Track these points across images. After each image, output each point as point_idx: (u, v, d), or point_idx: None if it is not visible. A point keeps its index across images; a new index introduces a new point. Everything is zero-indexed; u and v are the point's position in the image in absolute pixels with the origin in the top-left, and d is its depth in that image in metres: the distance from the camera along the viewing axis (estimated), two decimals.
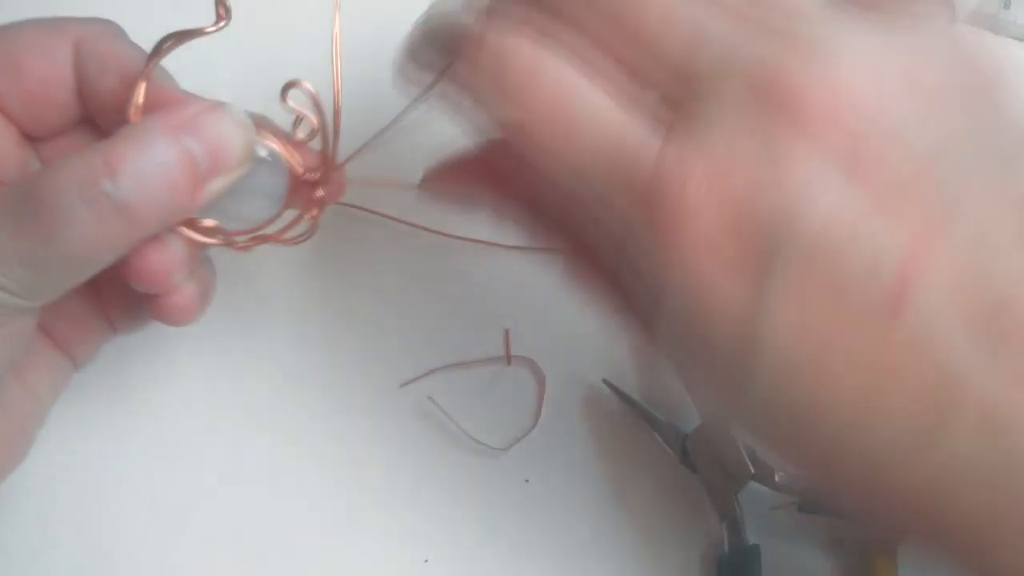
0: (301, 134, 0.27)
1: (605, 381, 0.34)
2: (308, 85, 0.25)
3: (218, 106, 0.25)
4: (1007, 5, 0.39)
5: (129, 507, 0.34)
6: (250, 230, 0.28)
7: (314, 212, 0.28)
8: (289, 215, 0.28)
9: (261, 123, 0.27)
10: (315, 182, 0.28)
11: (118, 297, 0.29)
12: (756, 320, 0.19)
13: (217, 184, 0.25)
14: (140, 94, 0.25)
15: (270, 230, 0.28)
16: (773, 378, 0.19)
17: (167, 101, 0.25)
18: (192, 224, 0.26)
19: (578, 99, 0.21)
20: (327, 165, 0.27)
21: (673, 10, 0.20)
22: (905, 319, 0.18)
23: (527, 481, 0.34)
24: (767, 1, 0.20)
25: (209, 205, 0.25)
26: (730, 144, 0.19)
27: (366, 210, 0.35)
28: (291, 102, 0.26)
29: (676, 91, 0.20)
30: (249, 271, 0.35)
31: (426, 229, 0.35)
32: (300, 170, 0.27)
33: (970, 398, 0.18)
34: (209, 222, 0.26)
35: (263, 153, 0.26)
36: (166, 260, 0.26)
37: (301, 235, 0.29)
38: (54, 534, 0.33)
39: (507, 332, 0.35)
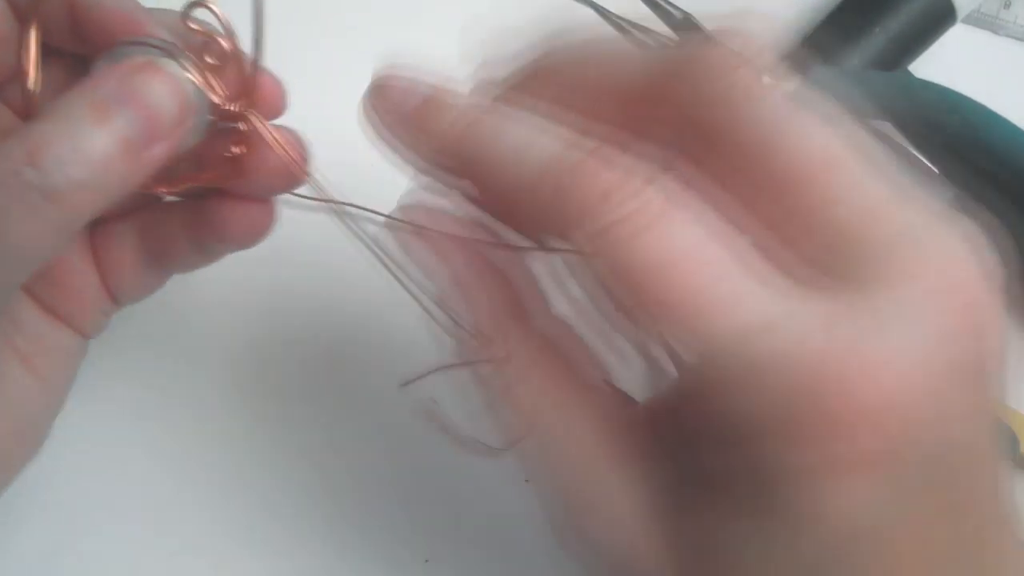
0: (210, 59, 0.24)
1: (605, 382, 0.34)
2: (215, 5, 0.23)
3: (146, 66, 0.23)
4: (1007, 5, 0.39)
5: (129, 507, 0.34)
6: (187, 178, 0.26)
7: (242, 144, 0.25)
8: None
9: (172, 48, 0.24)
10: (237, 113, 0.25)
11: (114, 265, 0.28)
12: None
13: (159, 150, 0.23)
14: (31, 47, 0.23)
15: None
16: None
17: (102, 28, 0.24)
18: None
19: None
20: (249, 89, 0.24)
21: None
22: None
23: (527, 481, 0.34)
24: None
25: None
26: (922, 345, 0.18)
27: (366, 209, 0.35)
28: (195, 25, 0.24)
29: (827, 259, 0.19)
30: (248, 270, 0.35)
31: (427, 228, 0.35)
32: (218, 100, 0.24)
33: None
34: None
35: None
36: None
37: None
38: (62, 538, 0.33)
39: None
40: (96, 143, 0.22)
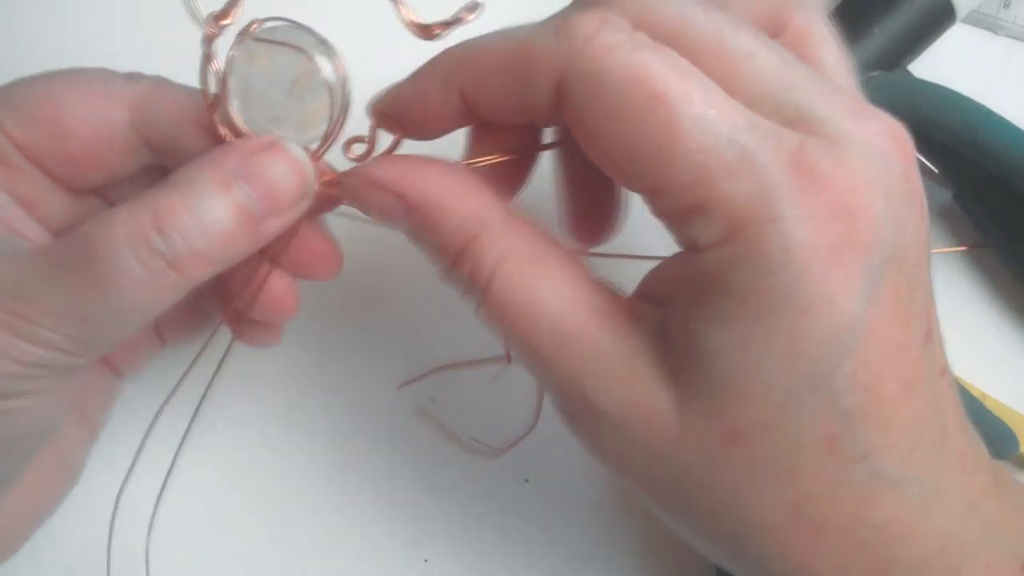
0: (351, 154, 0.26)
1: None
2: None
3: (271, 145, 0.25)
4: (1007, 5, 0.39)
5: (131, 506, 0.33)
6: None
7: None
8: None
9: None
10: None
11: (173, 312, 0.28)
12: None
13: (274, 225, 0.24)
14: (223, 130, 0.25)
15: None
16: None
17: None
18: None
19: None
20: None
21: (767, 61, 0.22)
22: None
23: (527, 481, 0.34)
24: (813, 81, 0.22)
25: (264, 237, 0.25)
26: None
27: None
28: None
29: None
30: None
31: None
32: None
33: None
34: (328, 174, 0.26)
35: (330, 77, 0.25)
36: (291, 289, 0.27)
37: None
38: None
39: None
40: (217, 216, 0.23)
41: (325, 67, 0.25)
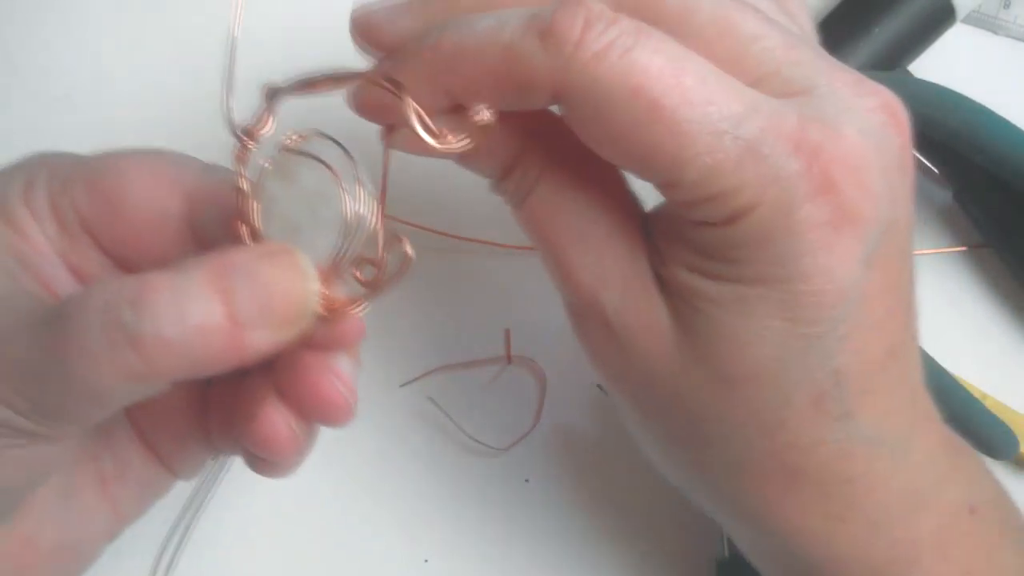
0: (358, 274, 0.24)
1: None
2: (408, 249, 0.23)
3: (281, 251, 0.22)
4: (1007, 5, 0.39)
5: None
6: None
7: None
8: None
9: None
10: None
11: (223, 420, 0.27)
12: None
13: (262, 336, 0.21)
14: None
15: None
16: None
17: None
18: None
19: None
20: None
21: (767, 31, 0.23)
22: None
23: (527, 481, 0.34)
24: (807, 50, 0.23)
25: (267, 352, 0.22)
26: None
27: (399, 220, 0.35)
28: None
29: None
30: None
31: (426, 229, 0.35)
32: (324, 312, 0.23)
33: None
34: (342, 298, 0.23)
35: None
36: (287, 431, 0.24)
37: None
38: None
39: (507, 332, 0.35)
40: (198, 305, 0.21)
41: (346, 186, 0.23)
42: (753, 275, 0.22)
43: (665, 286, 0.24)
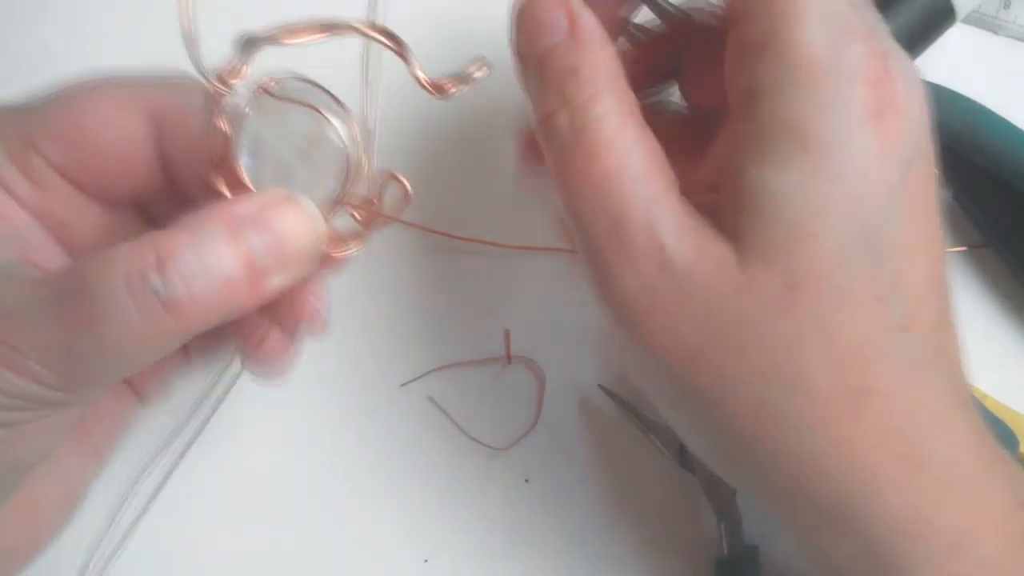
0: (356, 212, 0.26)
1: (600, 386, 0.34)
2: (406, 183, 0.25)
3: (286, 198, 0.24)
4: (1007, 5, 0.39)
5: (132, 506, 0.34)
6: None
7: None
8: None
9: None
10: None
11: (205, 339, 0.27)
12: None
13: (279, 280, 0.23)
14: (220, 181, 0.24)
15: None
16: None
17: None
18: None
19: None
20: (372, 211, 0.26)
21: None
22: None
23: (527, 481, 0.34)
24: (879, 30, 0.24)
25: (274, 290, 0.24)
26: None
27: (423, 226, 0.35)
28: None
29: None
30: None
31: (427, 229, 0.35)
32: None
33: None
34: (335, 235, 0.25)
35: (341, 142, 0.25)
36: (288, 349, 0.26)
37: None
38: None
39: (507, 332, 0.35)
40: (222, 262, 0.22)
41: (338, 128, 0.24)
42: (815, 149, 0.22)
43: (725, 221, 0.24)
